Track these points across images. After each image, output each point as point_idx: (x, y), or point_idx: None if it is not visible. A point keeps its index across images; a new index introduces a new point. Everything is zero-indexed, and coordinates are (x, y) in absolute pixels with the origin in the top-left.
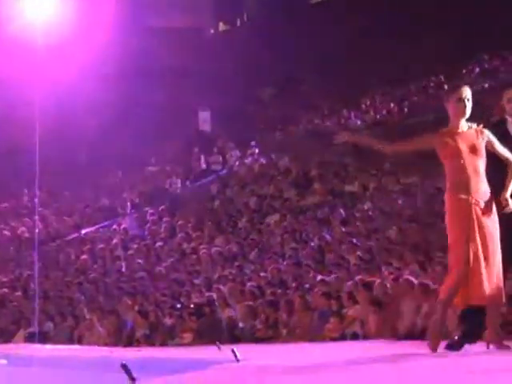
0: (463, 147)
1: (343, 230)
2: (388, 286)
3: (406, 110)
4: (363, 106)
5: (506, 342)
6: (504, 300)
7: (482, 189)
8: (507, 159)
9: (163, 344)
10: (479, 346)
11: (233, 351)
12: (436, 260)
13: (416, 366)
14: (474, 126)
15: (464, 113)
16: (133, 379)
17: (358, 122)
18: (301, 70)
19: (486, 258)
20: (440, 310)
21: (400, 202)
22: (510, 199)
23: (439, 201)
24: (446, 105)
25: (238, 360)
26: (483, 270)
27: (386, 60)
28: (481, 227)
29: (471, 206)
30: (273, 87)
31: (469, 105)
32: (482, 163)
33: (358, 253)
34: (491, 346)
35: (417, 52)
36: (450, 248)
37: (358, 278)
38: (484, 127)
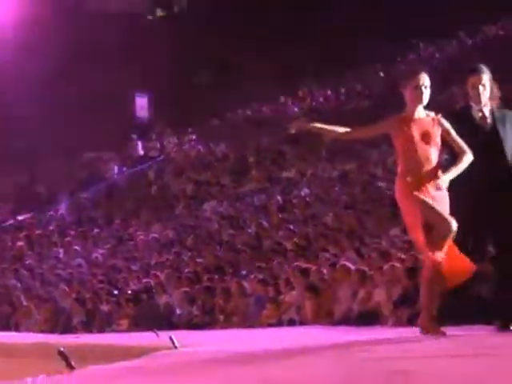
0: (416, 134)
1: (280, 216)
2: (324, 272)
3: (342, 97)
4: (300, 92)
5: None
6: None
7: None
8: (460, 148)
9: (100, 331)
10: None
11: (171, 338)
12: (372, 246)
13: (351, 352)
14: (432, 114)
15: (421, 100)
16: (71, 366)
17: (295, 109)
18: (238, 57)
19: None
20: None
21: (337, 188)
22: (446, 181)
23: (375, 187)
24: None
25: (176, 347)
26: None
27: (322, 47)
28: None
29: (421, 191)
30: (210, 73)
31: (426, 92)
32: (434, 152)
33: (295, 239)
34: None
35: (353, 39)
36: (412, 232)
37: (294, 264)
38: (443, 116)
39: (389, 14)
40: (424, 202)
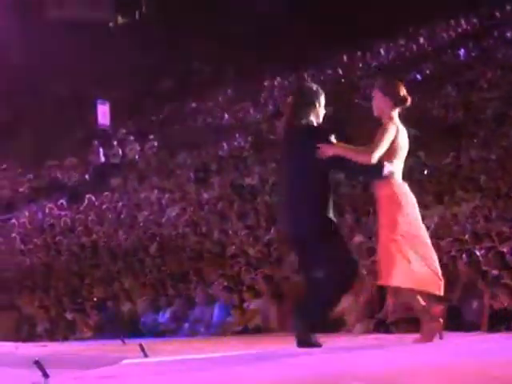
0: None
1: (243, 223)
2: (289, 278)
3: None
4: (261, 99)
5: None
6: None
7: None
8: None
9: (65, 338)
10: None
11: (141, 346)
12: None
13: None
14: None
15: None
16: (46, 375)
17: (258, 116)
18: (199, 64)
19: None
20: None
21: None
22: None
23: (337, 193)
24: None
25: (146, 355)
26: None
27: (284, 50)
28: None
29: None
30: (171, 80)
31: None
32: None
33: (258, 246)
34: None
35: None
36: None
37: (259, 271)
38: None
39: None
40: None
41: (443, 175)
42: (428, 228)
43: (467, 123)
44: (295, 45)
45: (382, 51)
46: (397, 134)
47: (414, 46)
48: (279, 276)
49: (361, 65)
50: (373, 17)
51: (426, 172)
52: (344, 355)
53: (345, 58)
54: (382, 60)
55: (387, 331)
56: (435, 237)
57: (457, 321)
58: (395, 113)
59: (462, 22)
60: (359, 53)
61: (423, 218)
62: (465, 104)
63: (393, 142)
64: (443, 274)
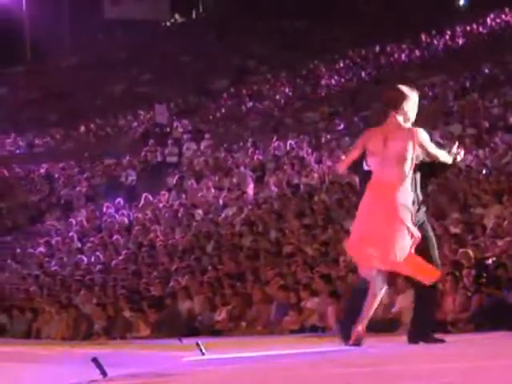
0: None
1: (300, 222)
2: (347, 277)
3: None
4: (318, 98)
5: None
6: None
7: None
8: None
9: (122, 337)
10: None
11: (197, 344)
12: None
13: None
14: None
15: None
16: (104, 373)
17: (314, 114)
18: (255, 62)
19: None
20: None
21: (356, 194)
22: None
23: None
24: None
25: (203, 353)
26: None
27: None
28: None
29: None
30: (228, 79)
31: None
32: None
33: (315, 245)
34: None
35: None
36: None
37: (315, 270)
38: None
39: None
40: None
41: (502, 174)
42: (486, 227)
43: None
44: (353, 42)
45: (439, 49)
46: None
47: (472, 45)
48: (336, 275)
49: (418, 62)
50: (430, 15)
51: (484, 171)
52: (401, 354)
53: (403, 56)
54: (440, 58)
55: (445, 331)
56: (493, 236)
57: None
58: None
59: None
60: (417, 51)
61: (482, 217)
62: None
63: None
64: (501, 274)
